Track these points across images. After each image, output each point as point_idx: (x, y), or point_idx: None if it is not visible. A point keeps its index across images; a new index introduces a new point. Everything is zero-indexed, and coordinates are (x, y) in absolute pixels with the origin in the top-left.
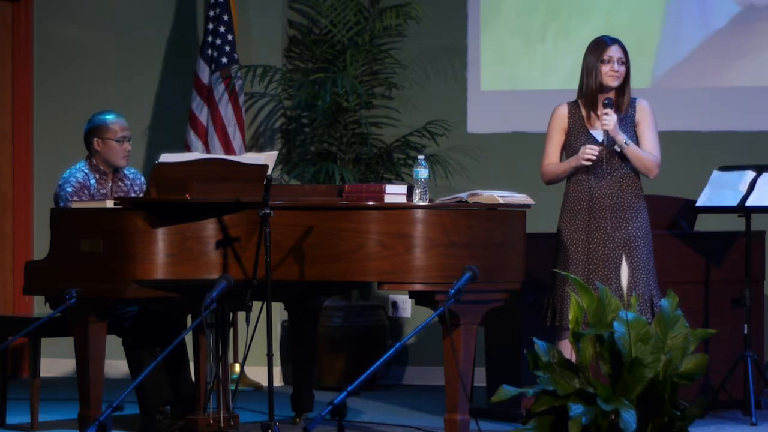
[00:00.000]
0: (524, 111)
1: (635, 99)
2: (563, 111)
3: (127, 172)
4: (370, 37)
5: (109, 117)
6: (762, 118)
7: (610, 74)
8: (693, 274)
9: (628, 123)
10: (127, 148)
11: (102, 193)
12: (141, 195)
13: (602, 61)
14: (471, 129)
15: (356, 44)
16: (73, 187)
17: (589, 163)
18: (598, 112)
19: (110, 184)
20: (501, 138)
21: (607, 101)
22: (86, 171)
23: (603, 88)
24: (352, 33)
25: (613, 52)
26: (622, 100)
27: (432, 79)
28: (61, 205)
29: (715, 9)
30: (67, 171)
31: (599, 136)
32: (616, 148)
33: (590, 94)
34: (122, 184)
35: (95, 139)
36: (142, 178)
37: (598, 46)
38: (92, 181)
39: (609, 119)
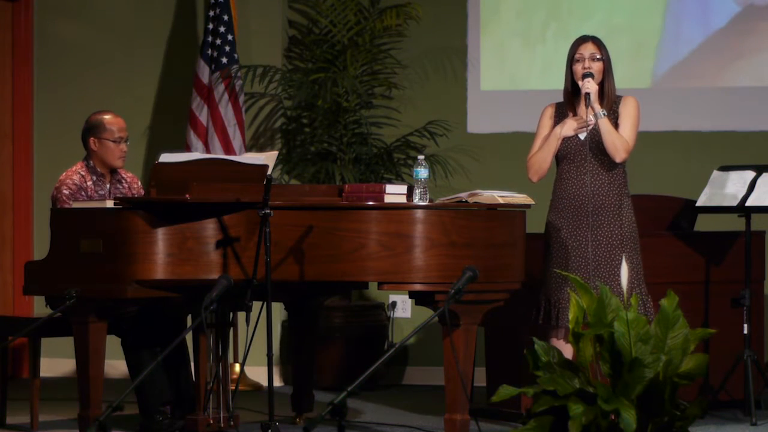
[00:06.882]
0: (524, 111)
1: (622, 96)
2: (550, 111)
3: (124, 175)
4: (370, 37)
5: (107, 117)
6: (762, 118)
7: (581, 72)
8: (693, 274)
9: (611, 118)
10: (124, 149)
11: (100, 195)
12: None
13: (575, 61)
14: (471, 129)
15: (356, 44)
16: (70, 189)
17: (570, 132)
18: (579, 84)
19: (108, 186)
20: (501, 138)
21: (587, 73)
22: (83, 173)
23: (577, 90)
24: (352, 33)
25: (584, 49)
26: (602, 95)
27: (432, 79)
28: (58, 207)
29: (715, 9)
30: (64, 173)
31: (582, 135)
32: (599, 126)
33: (566, 95)
34: (120, 186)
35: (91, 138)
36: (139, 183)
37: (571, 46)
38: (89, 183)
39: (590, 84)
